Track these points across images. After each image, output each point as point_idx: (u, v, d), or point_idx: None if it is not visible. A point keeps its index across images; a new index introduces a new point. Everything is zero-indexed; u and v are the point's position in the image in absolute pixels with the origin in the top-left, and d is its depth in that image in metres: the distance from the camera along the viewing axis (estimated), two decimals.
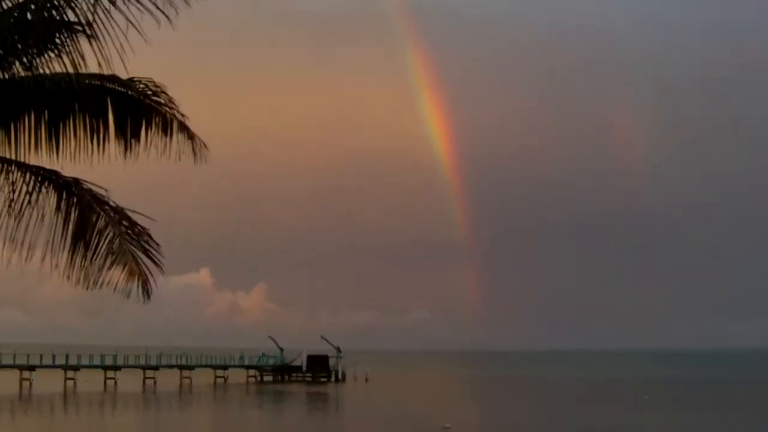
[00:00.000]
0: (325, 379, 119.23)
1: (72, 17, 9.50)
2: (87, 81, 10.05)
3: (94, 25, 9.34)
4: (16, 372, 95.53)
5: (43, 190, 10.20)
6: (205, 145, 10.83)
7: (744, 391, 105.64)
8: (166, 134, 10.56)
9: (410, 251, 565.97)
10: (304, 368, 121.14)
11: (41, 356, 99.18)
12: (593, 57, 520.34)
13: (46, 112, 10.22)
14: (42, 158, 10.33)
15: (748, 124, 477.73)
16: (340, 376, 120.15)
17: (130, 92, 10.40)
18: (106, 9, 9.27)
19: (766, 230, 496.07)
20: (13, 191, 10.11)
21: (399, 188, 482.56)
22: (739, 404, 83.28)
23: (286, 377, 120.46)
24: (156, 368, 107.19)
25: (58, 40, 9.65)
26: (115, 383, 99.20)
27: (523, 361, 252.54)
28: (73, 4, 9.41)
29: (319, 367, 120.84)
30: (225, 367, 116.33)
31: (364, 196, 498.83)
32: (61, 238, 10.21)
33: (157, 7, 9.25)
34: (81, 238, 10.26)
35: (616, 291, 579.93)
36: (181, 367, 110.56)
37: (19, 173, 10.20)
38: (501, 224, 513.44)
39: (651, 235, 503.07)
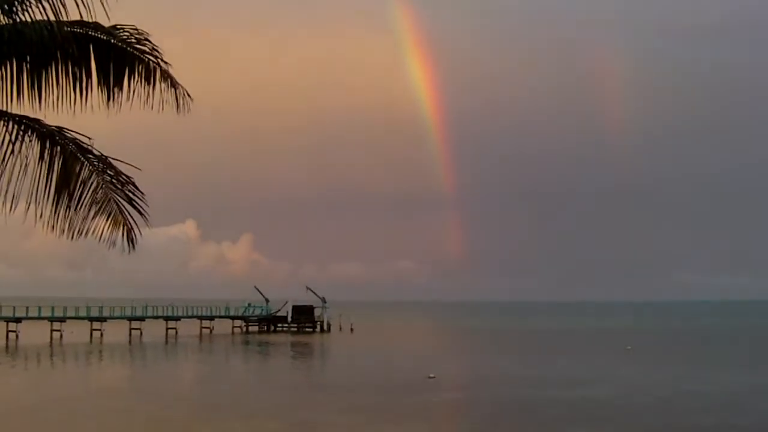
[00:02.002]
0: (310, 330, 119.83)
1: None
2: (68, 29, 9.86)
3: None
4: (2, 324, 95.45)
5: (26, 139, 10.04)
6: (188, 95, 10.67)
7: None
8: (149, 83, 10.38)
9: (395, 203, 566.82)
10: (290, 318, 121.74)
11: (27, 308, 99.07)
12: (574, 12, 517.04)
13: (27, 60, 10.04)
14: (24, 107, 10.16)
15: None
16: (325, 327, 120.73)
17: (113, 40, 10.21)
18: None
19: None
20: None
21: (384, 141, 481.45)
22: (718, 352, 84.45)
23: (272, 327, 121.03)
24: (142, 319, 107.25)
25: None
26: (102, 334, 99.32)
27: (505, 312, 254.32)
28: None
29: (304, 317, 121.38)
30: (211, 318, 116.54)
31: (349, 149, 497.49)
32: (45, 189, 10.09)
33: None
34: (65, 187, 10.15)
35: (598, 243, 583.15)
36: (167, 318, 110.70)
37: (2, 122, 10.02)
38: (485, 176, 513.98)
39: (633, 183, 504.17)
